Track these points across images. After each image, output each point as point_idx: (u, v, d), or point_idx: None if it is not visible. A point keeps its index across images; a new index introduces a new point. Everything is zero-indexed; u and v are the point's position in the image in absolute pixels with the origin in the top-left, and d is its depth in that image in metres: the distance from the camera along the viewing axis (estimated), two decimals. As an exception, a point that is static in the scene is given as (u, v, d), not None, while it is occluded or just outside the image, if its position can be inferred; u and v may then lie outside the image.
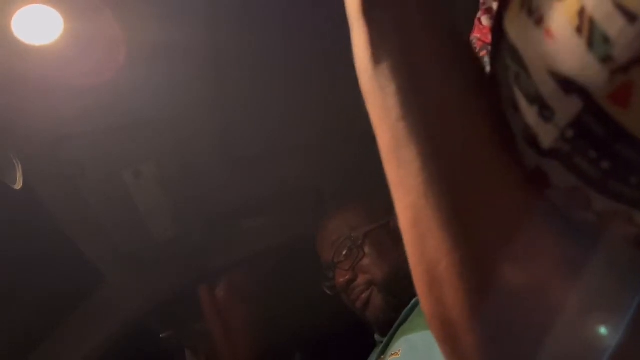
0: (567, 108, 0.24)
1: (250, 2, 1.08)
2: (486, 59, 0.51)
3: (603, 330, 0.25)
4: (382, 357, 1.17)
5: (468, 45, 0.31)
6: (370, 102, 0.33)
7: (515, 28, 0.27)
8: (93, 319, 1.43)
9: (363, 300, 1.24)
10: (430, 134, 0.30)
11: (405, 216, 0.32)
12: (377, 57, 0.31)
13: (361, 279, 1.25)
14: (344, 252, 1.27)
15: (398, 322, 1.17)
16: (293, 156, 1.47)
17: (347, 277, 1.26)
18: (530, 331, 0.26)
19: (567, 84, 0.24)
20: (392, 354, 1.10)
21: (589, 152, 0.24)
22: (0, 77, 1.00)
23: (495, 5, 0.50)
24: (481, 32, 0.52)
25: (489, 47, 0.51)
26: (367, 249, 1.26)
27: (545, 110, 0.25)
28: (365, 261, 1.25)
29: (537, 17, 0.25)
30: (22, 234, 1.19)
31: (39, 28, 0.96)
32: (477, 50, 0.53)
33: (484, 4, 0.53)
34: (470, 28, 0.56)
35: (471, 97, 0.30)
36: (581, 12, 0.22)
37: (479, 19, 0.53)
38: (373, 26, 0.31)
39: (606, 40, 0.22)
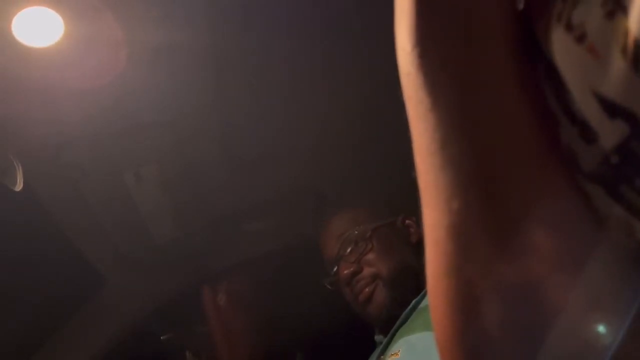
0: (612, 133, 0.23)
1: (251, 4, 1.07)
2: None
3: (604, 329, 0.25)
4: (382, 357, 1.17)
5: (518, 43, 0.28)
6: (411, 92, 0.30)
7: (552, 43, 0.25)
8: (94, 321, 1.42)
9: (366, 294, 1.22)
10: (485, 134, 0.27)
11: (443, 224, 0.28)
12: (424, 48, 0.28)
13: (366, 272, 1.23)
14: (351, 246, 1.27)
15: (398, 323, 1.17)
16: (294, 159, 1.46)
17: (351, 269, 1.24)
18: (530, 330, 0.26)
19: (611, 107, 0.22)
20: (392, 355, 1.10)
21: (636, 181, 0.23)
22: (1, 78, 0.99)
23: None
24: None
25: None
26: (374, 243, 1.25)
27: (587, 132, 0.24)
28: (372, 255, 1.24)
29: (578, 34, 0.23)
30: (24, 236, 1.19)
31: (40, 30, 0.95)
32: None
33: None
34: None
35: (524, 101, 0.28)
36: (626, 33, 0.21)
37: None
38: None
39: None
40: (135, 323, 1.46)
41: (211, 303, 1.40)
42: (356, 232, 1.27)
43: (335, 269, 1.30)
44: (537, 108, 0.27)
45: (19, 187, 1.05)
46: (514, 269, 0.26)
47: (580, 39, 0.23)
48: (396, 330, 1.17)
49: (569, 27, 0.24)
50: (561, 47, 0.25)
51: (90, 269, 1.36)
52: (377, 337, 1.30)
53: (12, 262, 1.18)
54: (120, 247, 1.38)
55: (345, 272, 1.25)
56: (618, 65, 0.22)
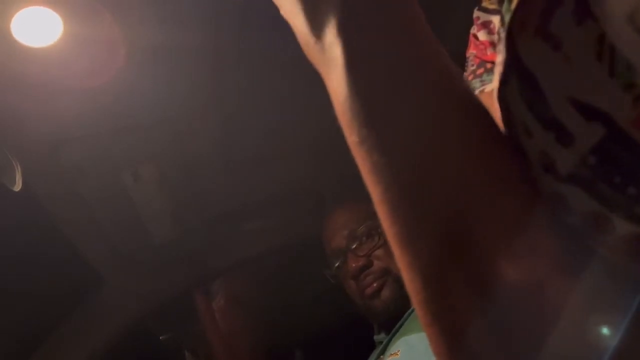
0: (589, 135, 0.23)
1: (250, 3, 1.07)
2: (485, 77, 0.50)
3: (603, 330, 0.25)
4: (382, 357, 1.17)
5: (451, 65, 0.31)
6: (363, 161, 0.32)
7: (530, 52, 0.26)
8: (92, 321, 1.42)
9: (374, 289, 1.22)
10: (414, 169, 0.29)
11: (420, 274, 0.30)
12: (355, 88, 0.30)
13: (376, 267, 1.23)
14: (359, 239, 1.26)
15: (398, 324, 1.17)
16: (293, 158, 1.46)
17: (360, 263, 1.24)
18: (530, 332, 0.26)
19: (588, 111, 0.23)
20: (392, 354, 1.10)
21: (614, 178, 0.23)
22: (0, 78, 0.99)
23: (495, 20, 0.50)
24: (477, 49, 0.51)
25: (487, 65, 0.50)
26: (386, 239, 1.24)
27: (563, 137, 0.25)
28: (383, 250, 1.23)
29: (554, 43, 0.24)
30: (22, 235, 1.19)
31: (39, 30, 0.95)
32: (474, 68, 0.52)
33: (478, 18, 0.52)
34: (464, 44, 0.55)
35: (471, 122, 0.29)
36: (601, 38, 0.22)
37: (475, 35, 0.52)
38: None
39: (629, 67, 0.21)
40: (134, 323, 1.46)
41: (207, 305, 1.41)
42: (366, 226, 1.27)
43: (339, 262, 1.30)
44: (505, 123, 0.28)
45: (17, 187, 1.05)
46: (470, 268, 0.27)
47: (557, 47, 0.24)
48: (397, 331, 1.17)
49: (545, 36, 0.25)
50: (539, 56, 0.25)
51: (88, 268, 1.36)
52: (377, 337, 1.30)
53: (8, 261, 1.18)
54: (118, 246, 1.38)
55: (354, 265, 1.24)
56: (594, 70, 0.22)
